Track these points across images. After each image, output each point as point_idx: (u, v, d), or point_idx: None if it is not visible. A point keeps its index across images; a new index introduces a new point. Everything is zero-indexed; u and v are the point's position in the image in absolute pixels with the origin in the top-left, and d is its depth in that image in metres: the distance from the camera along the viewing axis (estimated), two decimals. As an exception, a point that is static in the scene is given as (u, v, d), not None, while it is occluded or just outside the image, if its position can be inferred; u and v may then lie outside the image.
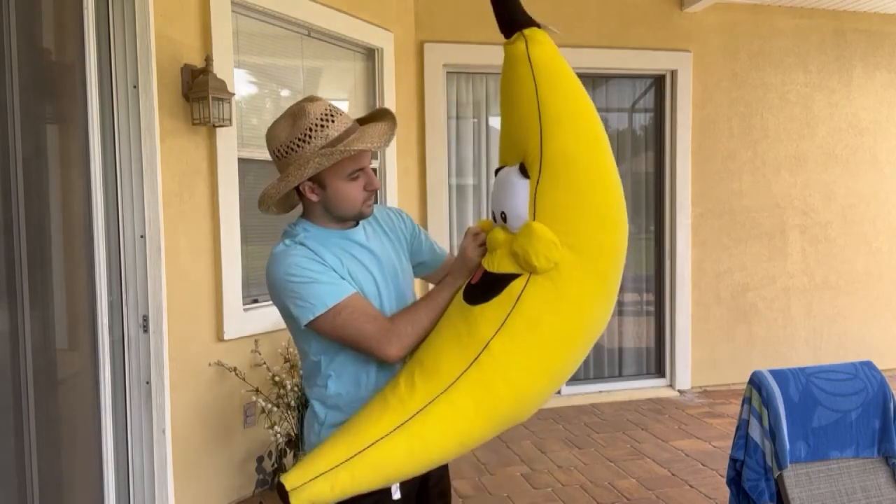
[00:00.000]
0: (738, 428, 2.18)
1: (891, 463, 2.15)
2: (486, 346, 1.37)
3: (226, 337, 3.20)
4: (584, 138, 1.43)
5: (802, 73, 5.27)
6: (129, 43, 2.74)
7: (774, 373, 2.15)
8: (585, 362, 5.13)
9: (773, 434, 2.07)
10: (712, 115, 5.13)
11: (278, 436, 3.13)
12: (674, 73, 5.04)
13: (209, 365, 3.14)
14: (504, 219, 1.48)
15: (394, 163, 4.27)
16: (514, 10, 1.44)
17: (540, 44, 1.42)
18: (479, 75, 4.86)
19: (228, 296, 3.22)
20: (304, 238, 1.52)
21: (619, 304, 5.31)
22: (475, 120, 4.95)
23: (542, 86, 1.40)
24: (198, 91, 2.94)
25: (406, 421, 1.35)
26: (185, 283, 3.01)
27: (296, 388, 3.14)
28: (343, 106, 3.84)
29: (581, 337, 1.45)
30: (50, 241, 2.49)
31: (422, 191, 4.67)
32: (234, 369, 3.15)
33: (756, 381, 2.14)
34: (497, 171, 1.57)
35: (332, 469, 1.32)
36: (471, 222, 4.90)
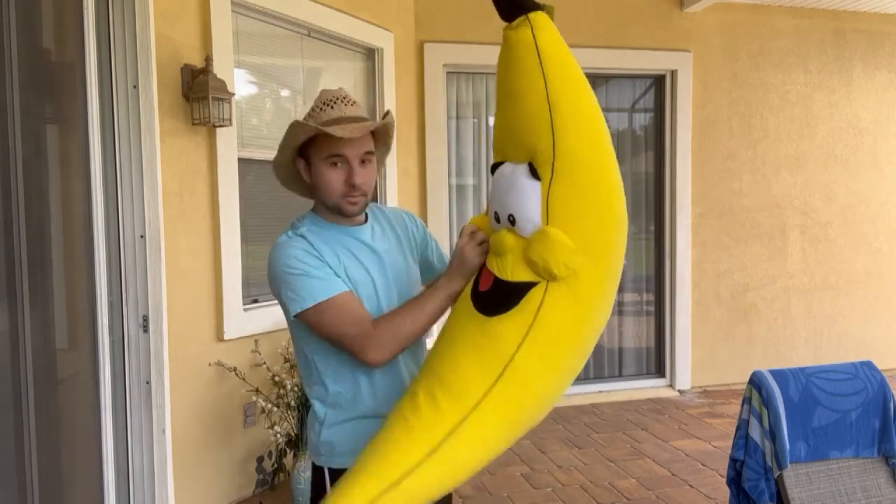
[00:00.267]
0: (738, 428, 2.18)
1: (891, 463, 2.15)
2: (511, 361, 1.33)
3: (226, 337, 3.20)
4: (593, 136, 1.38)
5: (802, 73, 5.27)
6: (129, 43, 2.74)
7: (774, 373, 2.15)
8: (586, 362, 5.13)
9: (773, 434, 2.07)
10: (712, 115, 5.13)
11: (278, 436, 3.13)
12: (674, 73, 5.04)
13: (209, 365, 3.14)
14: (512, 221, 1.39)
15: (394, 163, 4.27)
16: None
17: (547, 31, 1.34)
18: (479, 75, 4.86)
19: (228, 296, 3.22)
20: (307, 231, 1.54)
21: (619, 304, 5.32)
22: (475, 120, 4.95)
23: (552, 79, 1.32)
24: (198, 91, 2.94)
25: (438, 447, 1.30)
26: (185, 283, 3.01)
27: (296, 388, 3.14)
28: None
29: (593, 336, 1.44)
30: (50, 241, 2.49)
31: (422, 191, 4.67)
32: (234, 369, 3.15)
33: (756, 381, 2.14)
34: (494, 167, 1.48)
35: None
36: (471, 222, 4.89)
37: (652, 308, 5.32)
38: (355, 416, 1.55)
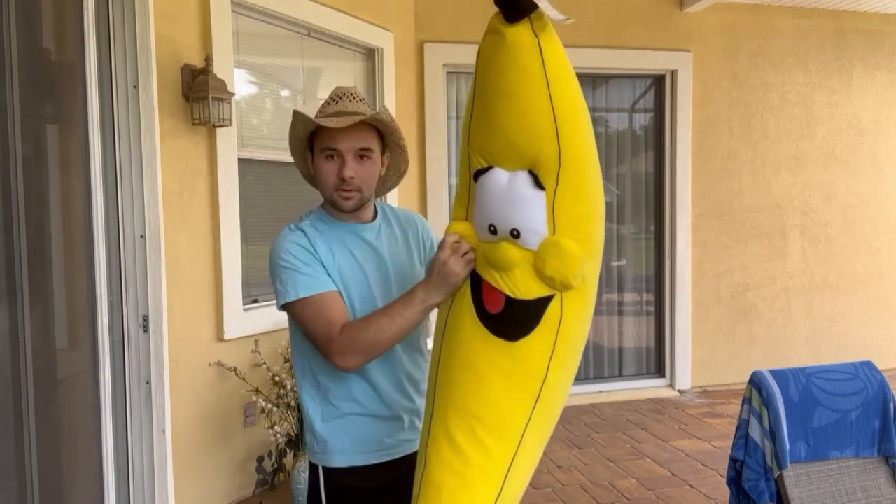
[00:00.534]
0: (738, 428, 2.18)
1: (891, 463, 2.15)
2: (545, 381, 1.31)
3: (226, 337, 3.20)
4: (589, 141, 1.35)
5: (802, 73, 5.27)
6: (129, 43, 2.74)
7: (774, 373, 2.15)
8: (585, 362, 5.14)
9: (773, 434, 2.07)
10: (712, 115, 5.13)
11: (278, 436, 3.13)
12: (674, 73, 5.04)
13: (209, 365, 3.14)
14: (515, 235, 1.31)
15: (394, 163, 4.26)
16: None
17: (549, 32, 1.29)
18: (479, 75, 4.85)
19: (228, 296, 3.21)
20: (307, 225, 1.55)
21: (619, 303, 5.32)
22: (475, 120, 4.94)
23: (555, 85, 1.27)
24: (198, 91, 2.94)
25: (501, 491, 1.29)
26: (185, 283, 3.01)
27: (296, 389, 3.13)
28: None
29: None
30: (50, 241, 2.49)
31: (422, 191, 4.66)
32: (234, 369, 3.15)
33: (756, 381, 2.14)
34: (478, 172, 1.36)
35: None
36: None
37: (652, 308, 5.32)
38: (348, 413, 1.54)
